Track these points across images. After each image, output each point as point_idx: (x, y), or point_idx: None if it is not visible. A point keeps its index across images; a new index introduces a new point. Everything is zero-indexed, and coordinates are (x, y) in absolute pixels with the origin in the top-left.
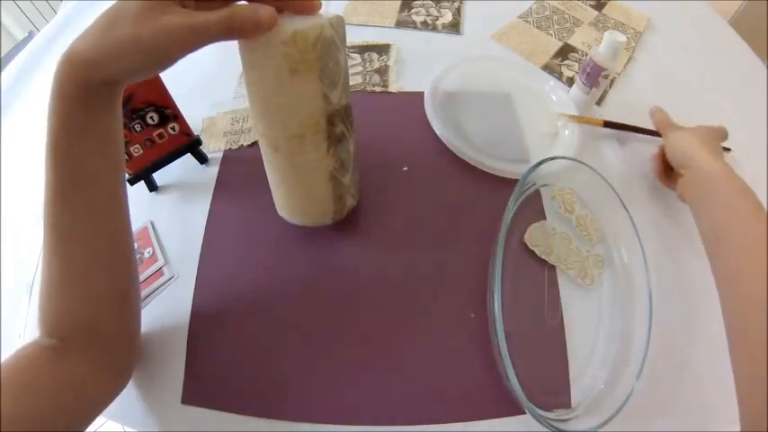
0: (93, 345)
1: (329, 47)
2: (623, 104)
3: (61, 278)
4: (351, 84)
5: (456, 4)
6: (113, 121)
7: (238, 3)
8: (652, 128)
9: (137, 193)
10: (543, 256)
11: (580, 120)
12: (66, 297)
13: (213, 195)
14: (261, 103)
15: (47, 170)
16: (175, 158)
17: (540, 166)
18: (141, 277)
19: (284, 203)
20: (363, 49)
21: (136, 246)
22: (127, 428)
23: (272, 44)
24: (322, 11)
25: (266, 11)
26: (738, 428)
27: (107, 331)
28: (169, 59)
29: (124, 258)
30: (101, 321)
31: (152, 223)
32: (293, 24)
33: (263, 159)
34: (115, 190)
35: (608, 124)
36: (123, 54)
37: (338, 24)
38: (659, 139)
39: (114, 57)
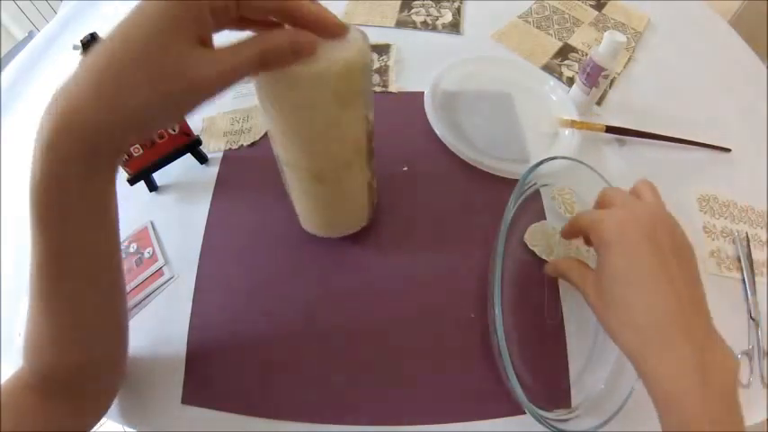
0: (79, 388)
1: (369, 70)
2: (623, 104)
3: (49, 335)
4: None
5: (456, 4)
6: (114, 178)
7: (271, 33)
8: (652, 130)
9: (137, 194)
10: (543, 256)
11: (581, 126)
12: (52, 351)
13: (213, 195)
14: (307, 141)
15: (34, 237)
16: (175, 158)
17: (540, 166)
18: (141, 277)
19: (322, 223)
20: None
21: (136, 246)
22: (127, 428)
23: (323, 79)
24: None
25: (305, 36)
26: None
27: (93, 375)
28: (195, 108)
29: (116, 313)
30: (88, 369)
31: (152, 223)
32: (334, 53)
33: (295, 188)
34: (113, 253)
35: (609, 129)
36: (145, 116)
37: (368, 42)
38: (660, 141)
39: (134, 120)
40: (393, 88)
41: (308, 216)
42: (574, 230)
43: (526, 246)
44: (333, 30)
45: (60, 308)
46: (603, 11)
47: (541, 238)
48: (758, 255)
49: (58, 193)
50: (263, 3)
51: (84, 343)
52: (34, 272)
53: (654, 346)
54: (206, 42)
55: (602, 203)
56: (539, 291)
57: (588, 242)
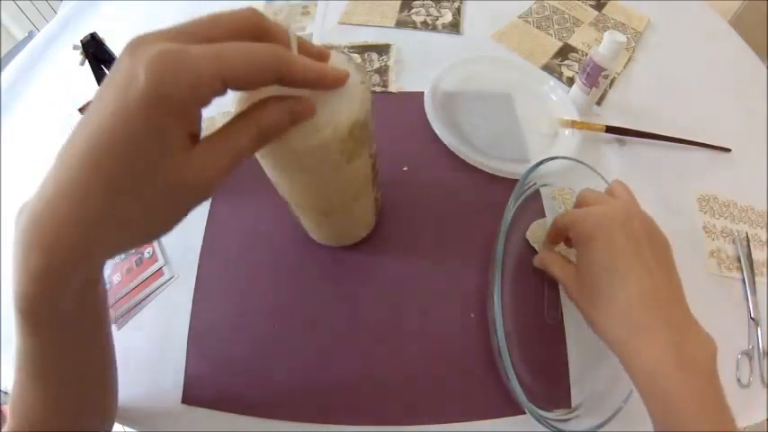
0: None
1: (372, 114)
2: (623, 104)
3: (39, 404)
4: None
5: (456, 4)
6: (102, 272)
7: (258, 105)
8: (652, 130)
9: None
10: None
11: (581, 126)
12: (41, 418)
13: (213, 195)
14: (314, 192)
15: (22, 331)
16: None
17: (540, 166)
18: (141, 277)
19: (328, 237)
20: (363, 49)
21: None
22: (127, 428)
23: (329, 146)
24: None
25: (302, 103)
26: (739, 426)
27: None
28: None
29: (107, 377)
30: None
31: None
32: (336, 112)
33: (303, 217)
34: (103, 329)
35: (609, 129)
36: (144, 231)
37: (367, 81)
38: (660, 141)
39: (133, 237)
40: (393, 88)
41: (314, 232)
42: (557, 232)
43: (526, 245)
44: (333, 83)
45: (51, 387)
46: (603, 11)
47: (542, 235)
48: (758, 255)
49: (49, 307)
50: (258, 79)
51: (76, 411)
52: (22, 356)
53: (634, 332)
54: (196, 135)
55: (579, 204)
56: (539, 291)
57: (569, 243)
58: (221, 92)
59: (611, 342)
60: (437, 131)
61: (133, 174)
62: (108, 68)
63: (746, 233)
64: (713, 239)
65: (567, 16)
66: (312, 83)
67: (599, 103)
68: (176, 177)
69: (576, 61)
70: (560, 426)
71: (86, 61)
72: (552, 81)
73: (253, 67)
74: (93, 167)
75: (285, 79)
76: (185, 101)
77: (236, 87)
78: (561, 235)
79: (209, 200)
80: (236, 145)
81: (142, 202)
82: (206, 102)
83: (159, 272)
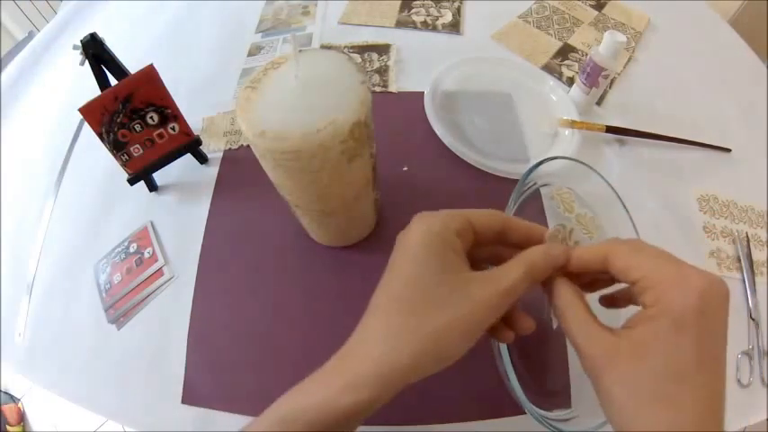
0: None
1: (371, 113)
2: (623, 104)
3: None
4: None
5: (456, 4)
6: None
7: (529, 251)
8: (652, 130)
9: (137, 194)
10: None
11: (581, 126)
12: None
13: (213, 195)
14: (314, 194)
15: None
16: (175, 158)
17: (540, 166)
18: (141, 277)
19: (330, 238)
20: (363, 49)
21: (136, 246)
22: (127, 428)
23: (330, 147)
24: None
25: (557, 250)
26: (738, 428)
27: None
28: (481, 334)
29: None
30: None
31: (152, 223)
32: (338, 113)
33: (305, 218)
34: None
35: (609, 129)
36: (445, 346)
37: (367, 81)
38: (660, 141)
39: (434, 354)
40: (393, 88)
41: (315, 232)
42: (588, 267)
43: None
44: (540, 238)
45: None
46: (603, 11)
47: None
48: (758, 255)
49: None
50: (490, 225)
51: None
52: None
53: None
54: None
55: (631, 254)
56: (539, 291)
57: (589, 287)
58: (470, 234)
59: None
60: (437, 131)
61: (428, 297)
62: (108, 68)
63: (746, 233)
64: (713, 239)
65: (567, 16)
66: (526, 233)
67: (599, 103)
68: (469, 296)
69: (576, 61)
70: (560, 426)
71: (86, 61)
72: (552, 81)
73: (486, 216)
74: (397, 302)
75: (506, 229)
76: (447, 231)
77: (478, 230)
78: (593, 272)
79: (209, 200)
80: (511, 278)
81: (443, 322)
82: (462, 236)
83: (159, 272)
